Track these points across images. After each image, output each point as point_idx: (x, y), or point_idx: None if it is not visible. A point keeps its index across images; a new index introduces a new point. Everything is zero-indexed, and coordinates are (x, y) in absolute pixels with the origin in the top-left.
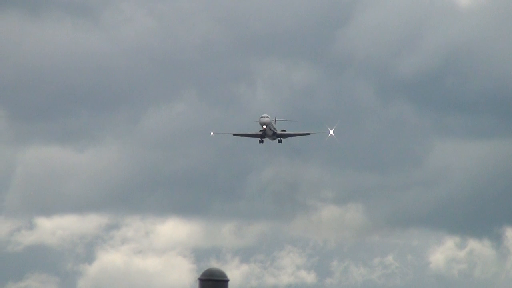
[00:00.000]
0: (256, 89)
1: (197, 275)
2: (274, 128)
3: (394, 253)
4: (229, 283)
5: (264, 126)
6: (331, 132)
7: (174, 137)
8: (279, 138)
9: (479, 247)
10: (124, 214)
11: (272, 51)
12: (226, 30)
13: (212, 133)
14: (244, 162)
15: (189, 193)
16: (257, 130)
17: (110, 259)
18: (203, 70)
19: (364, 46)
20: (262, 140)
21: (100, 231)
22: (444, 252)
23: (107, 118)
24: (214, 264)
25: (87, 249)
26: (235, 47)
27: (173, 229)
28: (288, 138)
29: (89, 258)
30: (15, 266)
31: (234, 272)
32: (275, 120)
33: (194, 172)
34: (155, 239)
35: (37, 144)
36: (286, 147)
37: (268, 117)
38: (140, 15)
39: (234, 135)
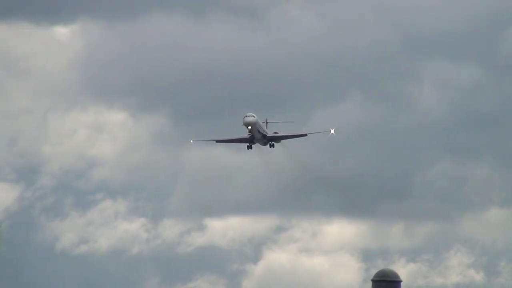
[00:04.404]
0: (422, 89)
1: (365, 275)
2: (264, 131)
3: None
4: (402, 283)
5: (249, 127)
6: (332, 131)
7: (341, 137)
8: (270, 142)
9: None
10: (291, 215)
11: (439, 51)
12: (393, 31)
13: (191, 141)
14: (410, 161)
15: (356, 193)
16: (244, 133)
17: (277, 259)
18: (370, 71)
19: None
20: (251, 146)
21: (267, 231)
22: None
23: (273, 117)
24: (381, 264)
25: (256, 249)
26: (402, 47)
27: (340, 230)
28: (282, 141)
29: (257, 258)
30: (185, 267)
31: (400, 272)
32: (266, 122)
33: (361, 172)
34: (322, 240)
35: (204, 145)
36: None
37: (253, 116)
38: (306, 16)
39: (216, 141)
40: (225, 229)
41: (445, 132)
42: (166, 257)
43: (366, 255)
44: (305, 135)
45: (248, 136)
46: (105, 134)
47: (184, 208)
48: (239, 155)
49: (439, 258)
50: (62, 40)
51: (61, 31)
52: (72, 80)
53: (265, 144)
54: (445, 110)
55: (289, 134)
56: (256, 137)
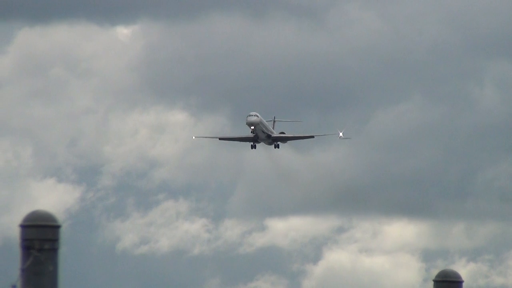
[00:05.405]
0: (483, 89)
1: (426, 275)
2: (269, 131)
3: None
4: (463, 284)
5: (252, 127)
6: (341, 134)
7: (402, 138)
8: (276, 143)
9: None
10: (351, 215)
11: (500, 51)
12: (454, 31)
13: (194, 137)
14: (471, 161)
15: (417, 193)
16: (248, 132)
17: (337, 259)
18: (432, 71)
19: None
20: (255, 145)
21: (327, 232)
22: None
23: (334, 118)
24: (441, 264)
25: (316, 250)
26: (464, 47)
27: (401, 230)
28: (288, 142)
29: (317, 258)
30: (246, 267)
31: (461, 272)
32: (274, 121)
33: (421, 172)
34: (382, 240)
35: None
36: None
37: (257, 115)
38: (366, 16)
39: (220, 139)
40: (285, 229)
41: (507, 131)
42: (227, 258)
43: (427, 255)
44: (312, 137)
45: (252, 135)
46: (166, 134)
47: (245, 208)
48: (301, 155)
49: (500, 258)
50: (123, 41)
51: (123, 32)
52: (133, 80)
53: (270, 144)
54: (507, 109)
55: (295, 135)
56: (260, 137)
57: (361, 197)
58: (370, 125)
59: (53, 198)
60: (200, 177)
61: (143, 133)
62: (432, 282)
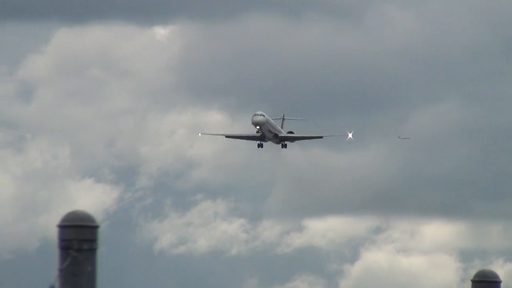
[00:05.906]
0: None
1: (463, 275)
2: (277, 130)
3: None
4: (502, 284)
5: (258, 127)
6: (350, 135)
7: (439, 138)
8: (283, 142)
9: None
10: (389, 215)
11: None
12: (492, 31)
13: (200, 134)
14: (508, 161)
15: (454, 193)
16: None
17: (374, 259)
18: (469, 71)
19: None
20: (262, 144)
21: (365, 232)
22: None
23: (371, 118)
24: (478, 264)
25: (353, 250)
26: (501, 47)
27: (438, 230)
28: (296, 141)
29: (354, 258)
30: (284, 268)
31: (498, 272)
32: (283, 119)
33: (459, 172)
34: (420, 240)
35: (298, 145)
36: None
37: (263, 115)
38: (403, 16)
39: (226, 136)
40: (323, 229)
41: None
42: (264, 258)
43: (464, 255)
44: (321, 137)
45: (258, 134)
46: (203, 135)
47: (283, 208)
48: (339, 154)
49: None
50: (161, 41)
51: (160, 32)
52: (170, 80)
53: (277, 143)
54: None
55: (303, 135)
56: (267, 136)
57: (399, 197)
58: (407, 125)
59: (91, 199)
60: (237, 177)
61: (180, 133)
62: (470, 282)
